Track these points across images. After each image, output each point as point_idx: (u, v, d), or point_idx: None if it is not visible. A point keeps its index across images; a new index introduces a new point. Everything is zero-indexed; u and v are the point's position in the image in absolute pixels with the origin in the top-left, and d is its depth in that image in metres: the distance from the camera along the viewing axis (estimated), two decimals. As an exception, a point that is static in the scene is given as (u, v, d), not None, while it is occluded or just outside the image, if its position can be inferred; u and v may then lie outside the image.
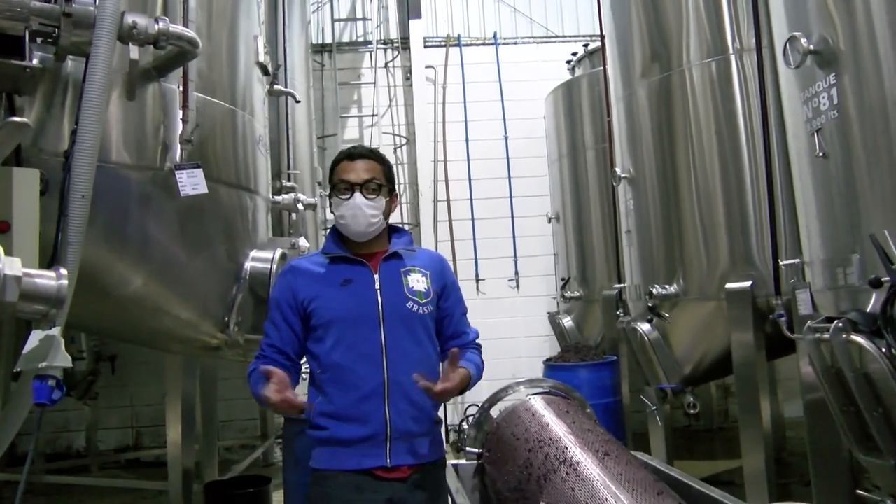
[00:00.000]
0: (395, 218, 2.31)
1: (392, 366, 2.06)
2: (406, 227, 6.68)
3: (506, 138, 7.68)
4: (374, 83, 7.60)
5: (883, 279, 2.29)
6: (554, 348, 6.98)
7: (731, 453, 5.63)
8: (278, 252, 3.67)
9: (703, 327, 4.26)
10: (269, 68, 4.30)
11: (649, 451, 4.41)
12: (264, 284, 3.54)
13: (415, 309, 2.13)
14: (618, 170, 4.88)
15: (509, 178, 7.63)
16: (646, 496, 2.08)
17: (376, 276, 2.13)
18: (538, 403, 2.90)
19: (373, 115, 7.59)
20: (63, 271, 2.17)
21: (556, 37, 7.89)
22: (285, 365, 2.12)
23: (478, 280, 7.51)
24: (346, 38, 7.85)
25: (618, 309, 5.50)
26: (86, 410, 6.40)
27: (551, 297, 7.42)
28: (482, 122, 7.68)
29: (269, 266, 3.58)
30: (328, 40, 7.72)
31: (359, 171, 2.13)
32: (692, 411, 4.54)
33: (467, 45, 7.83)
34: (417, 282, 2.17)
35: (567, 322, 6.85)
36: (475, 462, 3.05)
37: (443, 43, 7.80)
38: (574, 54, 7.17)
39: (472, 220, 7.57)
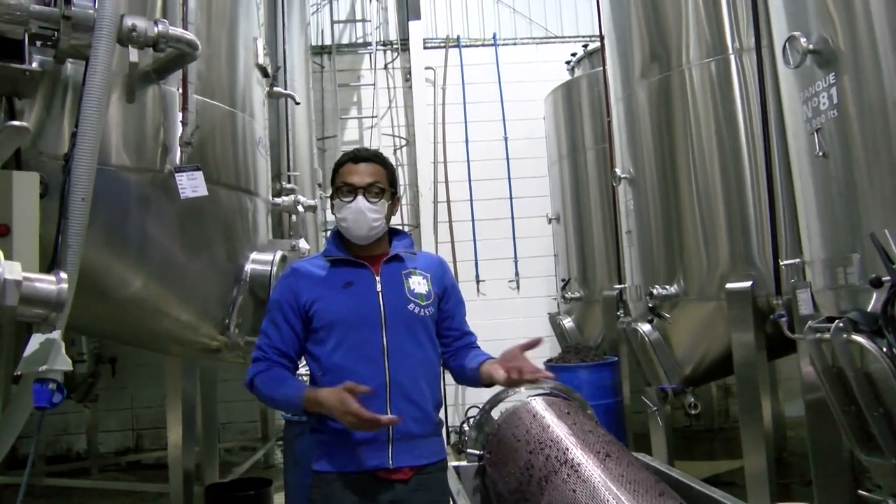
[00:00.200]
0: (394, 219, 2.31)
1: (393, 367, 2.06)
2: (406, 229, 6.68)
3: (505, 139, 7.69)
4: (374, 85, 7.60)
5: (883, 279, 2.29)
6: (554, 349, 6.97)
7: (731, 454, 5.64)
8: (278, 254, 3.67)
9: (704, 327, 4.26)
10: (269, 70, 4.30)
11: (650, 452, 4.41)
12: (264, 286, 3.54)
13: (416, 311, 2.13)
14: (618, 170, 4.88)
15: (509, 179, 7.63)
16: (647, 497, 2.08)
17: (378, 279, 2.14)
18: (539, 405, 2.90)
19: (372, 117, 7.59)
20: (63, 275, 2.17)
21: (556, 37, 7.89)
22: (287, 366, 2.13)
23: (478, 281, 7.51)
24: (345, 40, 7.85)
25: (618, 309, 5.50)
26: (86, 413, 6.40)
27: (552, 298, 7.42)
28: (482, 123, 7.68)
29: (270, 268, 3.58)
30: (328, 42, 7.72)
31: (362, 174, 2.13)
32: (693, 412, 4.54)
33: (467, 46, 7.83)
34: (418, 284, 2.17)
35: (567, 323, 6.85)
36: (476, 463, 3.05)
37: (442, 44, 7.80)
38: (573, 55, 7.17)
39: (473, 221, 7.57)
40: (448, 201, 7.60)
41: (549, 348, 7.22)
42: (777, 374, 5.90)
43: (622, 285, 5.31)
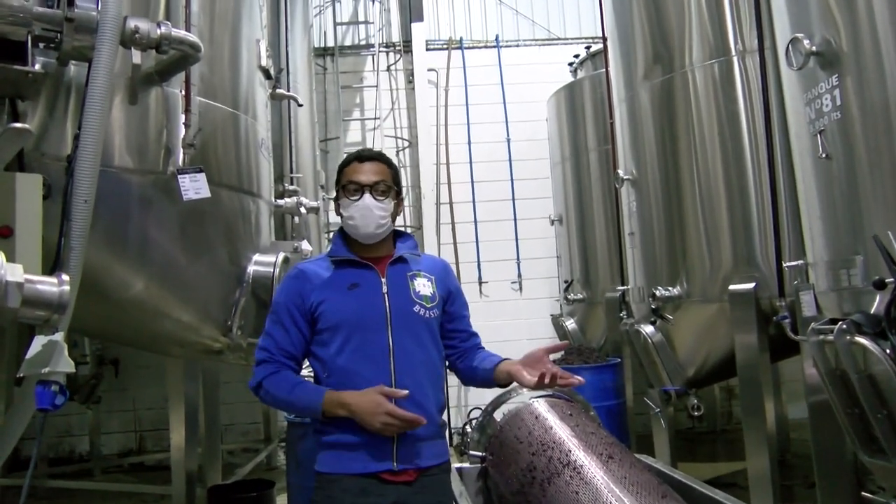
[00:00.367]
0: (397, 221, 2.32)
1: (399, 369, 2.07)
2: (408, 230, 6.70)
3: (508, 141, 7.69)
4: (377, 86, 7.60)
5: (886, 280, 2.29)
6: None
7: (734, 455, 5.63)
8: (281, 256, 3.67)
9: (707, 329, 4.25)
10: (272, 72, 4.30)
11: (653, 454, 4.41)
12: (267, 288, 3.54)
13: (421, 313, 2.14)
14: (620, 172, 4.88)
15: (512, 180, 7.63)
16: (650, 499, 2.07)
17: (383, 280, 2.14)
18: (541, 406, 2.90)
19: (375, 119, 7.59)
20: (65, 277, 2.17)
21: (558, 39, 7.89)
22: (294, 368, 2.13)
23: (480, 283, 7.51)
24: (348, 42, 7.86)
25: (621, 311, 5.49)
26: (88, 414, 6.41)
27: (554, 300, 7.42)
28: (484, 124, 7.68)
29: (272, 270, 3.58)
30: (330, 44, 7.73)
31: (368, 172, 2.15)
32: (696, 413, 4.53)
33: (469, 47, 7.83)
34: (423, 286, 2.17)
35: (570, 324, 6.84)
36: (478, 465, 3.05)
37: (445, 46, 7.81)
38: (576, 56, 7.17)
39: (475, 222, 7.57)
40: (451, 203, 7.60)
41: (552, 350, 7.21)
42: (780, 376, 5.88)
43: (625, 287, 5.31)
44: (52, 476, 5.70)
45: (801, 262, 3.31)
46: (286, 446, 4.28)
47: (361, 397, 1.98)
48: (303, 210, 4.81)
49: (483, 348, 2.31)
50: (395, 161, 2.35)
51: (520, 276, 7.58)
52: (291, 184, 4.93)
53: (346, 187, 2.15)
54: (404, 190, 7.44)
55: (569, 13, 7.96)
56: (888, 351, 2.29)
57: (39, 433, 2.32)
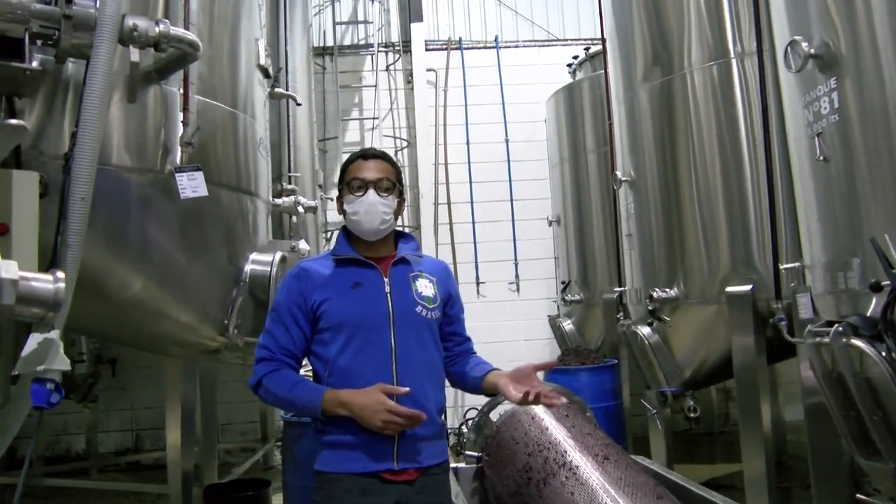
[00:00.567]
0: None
1: (401, 369, 2.06)
2: (406, 230, 6.70)
3: (507, 141, 7.69)
4: (376, 86, 7.60)
5: (883, 283, 2.28)
6: (554, 352, 6.97)
7: (731, 457, 5.63)
8: (278, 255, 3.66)
9: (704, 331, 4.25)
10: (271, 71, 4.30)
11: (649, 455, 4.41)
12: (264, 287, 3.53)
13: (423, 313, 2.14)
14: (619, 173, 4.88)
15: (510, 181, 7.64)
16: (645, 500, 2.08)
17: (386, 280, 2.14)
18: (538, 407, 2.90)
19: (374, 118, 7.59)
20: (60, 274, 2.17)
21: (558, 40, 7.90)
22: (294, 367, 2.12)
23: (478, 283, 7.50)
24: (347, 41, 7.85)
25: (618, 312, 5.49)
26: (85, 413, 6.39)
27: (552, 301, 7.42)
28: (483, 125, 7.68)
29: (270, 269, 3.58)
30: (329, 43, 7.72)
31: (372, 170, 2.16)
32: (693, 415, 4.53)
33: (468, 48, 7.83)
34: (425, 287, 2.18)
35: (567, 325, 6.85)
36: (475, 466, 3.05)
37: (444, 46, 7.81)
38: (575, 57, 7.17)
39: (473, 223, 7.57)
40: (449, 203, 7.60)
41: (550, 351, 7.22)
42: (777, 378, 5.89)
43: (622, 288, 5.31)
44: (49, 475, 5.67)
45: (798, 264, 3.31)
46: (282, 446, 4.27)
47: (362, 396, 1.97)
48: (301, 209, 4.81)
49: (475, 353, 2.32)
50: (395, 161, 2.35)
51: (517, 276, 7.58)
52: (289, 183, 4.93)
53: (351, 184, 2.15)
54: (404, 190, 7.44)
55: (568, 14, 7.96)
56: (884, 353, 2.29)
57: (35, 431, 2.32)
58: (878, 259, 2.31)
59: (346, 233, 2.22)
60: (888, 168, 2.40)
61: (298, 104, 5.24)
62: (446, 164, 7.64)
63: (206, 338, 3.47)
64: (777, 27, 3.14)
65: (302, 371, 2.18)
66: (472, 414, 3.56)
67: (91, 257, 2.56)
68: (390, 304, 2.10)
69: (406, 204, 7.46)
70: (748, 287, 3.88)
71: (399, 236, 2.28)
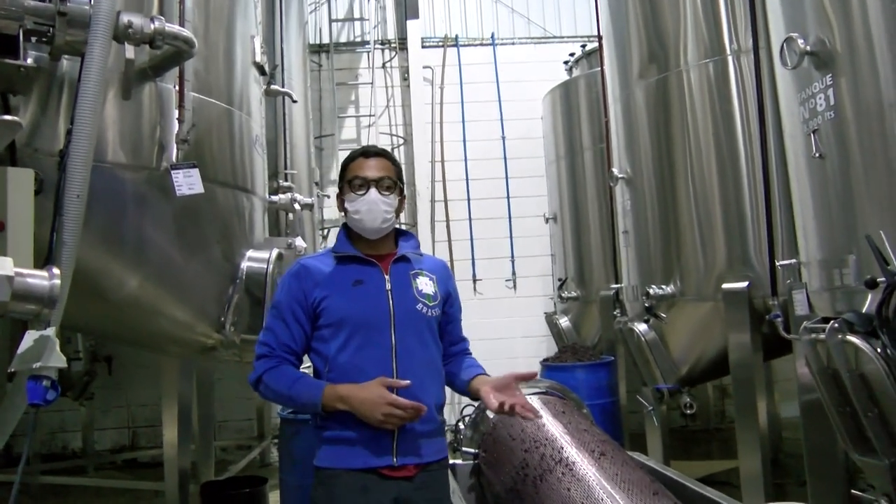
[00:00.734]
0: (391, 218, 2.32)
1: (401, 367, 2.07)
2: (403, 227, 6.71)
3: (503, 139, 7.69)
4: (372, 83, 7.59)
5: (878, 280, 2.29)
6: (551, 349, 6.98)
7: (727, 454, 5.64)
8: (275, 252, 3.66)
9: (700, 328, 4.26)
10: (266, 68, 4.29)
11: (646, 452, 4.41)
12: (260, 285, 3.53)
13: (424, 311, 2.15)
14: (615, 170, 4.88)
15: (506, 178, 7.63)
16: (641, 496, 2.08)
17: (387, 278, 2.14)
18: (535, 404, 2.90)
19: (370, 116, 7.58)
20: (56, 271, 2.17)
21: (554, 37, 7.89)
22: (295, 364, 2.13)
23: (475, 280, 7.51)
24: (343, 39, 7.84)
25: (615, 309, 5.50)
26: (82, 411, 6.38)
27: (548, 298, 7.43)
28: (479, 122, 7.68)
29: (266, 266, 3.57)
30: (325, 41, 7.71)
31: (374, 168, 2.16)
32: (689, 412, 4.54)
33: (465, 45, 7.83)
34: (426, 285, 2.18)
35: (564, 322, 6.85)
36: (471, 462, 3.05)
37: (440, 43, 7.80)
38: (571, 55, 7.18)
39: (470, 220, 7.57)
40: (445, 200, 7.60)
41: (546, 348, 7.23)
42: (773, 375, 5.90)
43: (619, 285, 5.32)
44: (45, 472, 5.66)
45: (794, 261, 3.32)
46: (279, 443, 4.27)
47: (361, 391, 1.98)
48: (297, 206, 4.80)
49: (469, 354, 2.33)
50: (393, 159, 2.35)
51: (514, 274, 7.59)
52: (286, 180, 4.92)
53: (352, 182, 2.15)
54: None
55: (564, 11, 7.96)
56: (879, 350, 2.30)
57: (31, 429, 2.31)
58: (874, 256, 2.32)
59: (347, 230, 2.22)
60: (883, 165, 2.40)
61: (294, 101, 5.23)
62: (443, 161, 7.63)
63: (202, 335, 3.46)
64: (773, 24, 3.14)
65: (303, 368, 2.18)
66: (469, 410, 3.56)
67: (86, 254, 2.55)
68: (391, 301, 2.11)
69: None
70: (744, 284, 3.89)
71: (399, 234, 2.28)
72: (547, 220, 7.23)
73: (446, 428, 2.26)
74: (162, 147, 3.01)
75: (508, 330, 7.31)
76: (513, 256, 7.58)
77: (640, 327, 4.53)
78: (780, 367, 5.73)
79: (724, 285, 3.96)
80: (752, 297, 3.87)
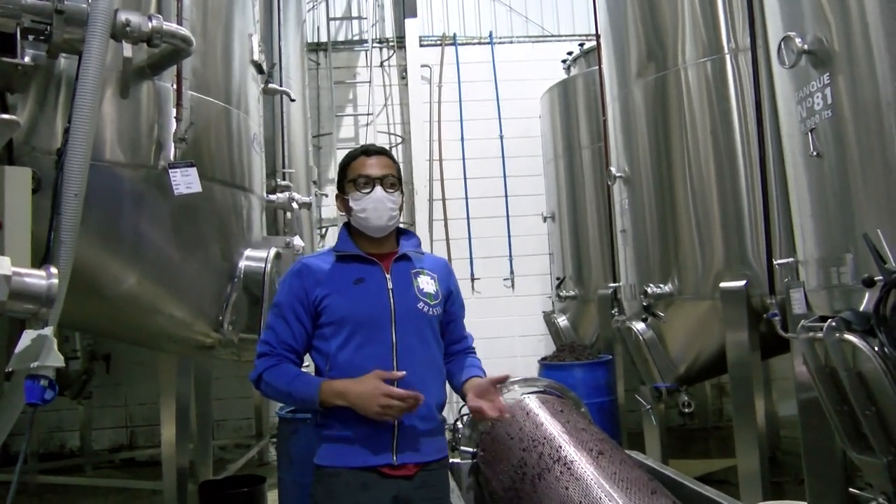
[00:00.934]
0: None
1: (402, 365, 2.07)
2: (401, 227, 6.71)
3: (501, 137, 7.69)
4: (370, 82, 7.59)
5: (876, 278, 2.29)
6: (549, 347, 6.99)
7: (725, 452, 5.65)
8: (273, 251, 3.66)
9: (698, 326, 4.27)
10: (264, 67, 4.29)
11: (644, 450, 4.42)
12: (258, 283, 3.53)
13: (425, 310, 2.15)
14: (613, 169, 4.88)
15: (505, 177, 7.64)
16: (639, 495, 2.08)
17: (388, 277, 2.14)
18: (533, 402, 2.90)
19: (368, 114, 7.58)
20: (53, 270, 2.16)
21: (552, 36, 7.89)
22: (296, 362, 2.13)
23: (473, 279, 7.51)
24: (341, 37, 7.83)
25: (613, 308, 5.51)
26: (79, 410, 6.37)
27: (546, 297, 7.43)
28: (478, 121, 7.68)
29: (264, 265, 3.57)
30: (323, 39, 7.70)
31: (377, 166, 2.17)
32: (687, 410, 4.55)
33: (463, 44, 7.83)
34: (427, 283, 2.19)
35: (562, 321, 6.86)
36: (470, 461, 3.05)
37: (438, 42, 7.80)
38: (569, 53, 7.18)
39: (468, 219, 7.57)
40: (443, 199, 7.60)
41: (545, 347, 7.24)
42: (771, 374, 5.91)
43: (617, 284, 5.32)
44: (43, 472, 5.66)
45: (791, 259, 3.32)
46: (278, 442, 4.27)
47: (358, 385, 1.97)
48: (295, 205, 4.80)
49: (472, 353, 2.33)
50: (391, 157, 2.35)
51: (512, 272, 7.59)
52: (284, 179, 4.92)
53: (357, 181, 2.15)
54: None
55: (562, 10, 7.96)
56: (877, 348, 2.30)
57: (29, 428, 2.30)
58: (871, 254, 2.32)
59: (348, 229, 2.22)
60: (880, 163, 2.41)
61: (292, 100, 5.23)
62: (441, 160, 7.63)
63: (200, 334, 3.46)
64: (770, 23, 3.14)
65: (304, 368, 2.18)
66: (468, 409, 3.56)
67: (84, 253, 2.55)
68: (392, 300, 2.11)
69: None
70: (742, 283, 3.90)
71: (400, 233, 2.29)
72: (545, 219, 7.23)
73: (445, 427, 2.26)
74: (160, 145, 3.00)
75: (506, 329, 7.32)
76: (511, 255, 7.59)
77: (638, 326, 4.54)
78: (778, 366, 5.74)
79: (722, 284, 3.97)
80: (749, 295, 3.88)
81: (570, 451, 2.37)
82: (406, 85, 7.61)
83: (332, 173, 7.12)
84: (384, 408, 1.94)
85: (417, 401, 1.97)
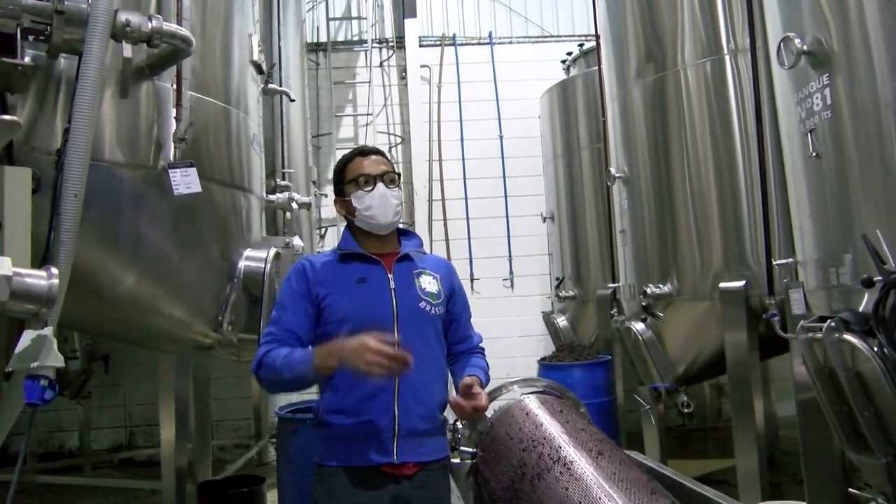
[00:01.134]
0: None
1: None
2: (402, 227, 6.71)
3: (501, 138, 7.69)
4: (370, 82, 7.59)
5: (875, 279, 2.30)
6: (548, 348, 6.99)
7: (724, 452, 5.65)
8: (272, 251, 3.65)
9: (697, 327, 4.27)
10: (264, 67, 4.29)
11: (643, 451, 4.42)
12: (258, 284, 3.53)
13: (427, 309, 2.15)
14: (612, 169, 4.89)
15: (504, 177, 7.64)
16: (639, 495, 2.08)
17: (391, 276, 2.15)
18: (532, 403, 2.90)
19: (368, 115, 7.58)
20: (54, 270, 2.16)
21: (551, 36, 7.89)
22: (296, 346, 2.10)
23: (472, 279, 7.51)
24: (341, 37, 7.83)
25: (612, 308, 5.51)
26: (78, 410, 6.37)
27: (546, 297, 7.43)
28: (477, 121, 7.68)
29: (263, 265, 3.57)
30: (323, 39, 7.70)
31: (376, 164, 2.18)
32: (686, 410, 4.55)
33: (462, 44, 7.83)
34: (429, 283, 2.19)
35: (561, 321, 6.86)
36: (469, 462, 3.05)
37: (438, 42, 7.80)
38: (569, 54, 7.18)
39: (467, 219, 7.58)
40: (443, 199, 7.60)
41: (544, 347, 7.24)
42: (770, 374, 5.92)
43: (616, 284, 5.32)
44: (42, 472, 5.66)
45: (790, 260, 3.32)
46: (277, 442, 4.27)
47: (348, 342, 1.92)
48: (294, 205, 4.80)
49: (478, 352, 2.33)
50: (388, 157, 2.36)
51: (511, 273, 7.59)
52: (283, 179, 4.92)
53: (358, 180, 2.16)
54: (397, 186, 7.44)
55: (562, 11, 7.96)
56: (875, 349, 2.30)
57: (28, 428, 2.30)
58: (870, 255, 2.32)
59: (351, 229, 2.22)
60: (879, 164, 2.41)
61: (292, 100, 5.23)
62: (440, 160, 7.64)
63: (199, 334, 3.46)
64: (770, 24, 3.15)
65: None
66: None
67: (84, 253, 2.55)
68: (394, 300, 2.12)
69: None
70: (741, 283, 3.90)
71: (401, 233, 2.29)
72: (544, 220, 7.23)
73: (446, 427, 2.26)
74: (159, 146, 3.00)
75: (506, 329, 7.32)
76: (510, 255, 7.59)
77: (637, 326, 4.54)
78: (777, 366, 5.74)
79: (721, 284, 3.97)
80: (748, 296, 3.88)
81: (570, 451, 2.37)
82: (405, 85, 7.61)
83: (332, 173, 7.12)
84: (371, 363, 1.86)
85: (407, 361, 1.90)
